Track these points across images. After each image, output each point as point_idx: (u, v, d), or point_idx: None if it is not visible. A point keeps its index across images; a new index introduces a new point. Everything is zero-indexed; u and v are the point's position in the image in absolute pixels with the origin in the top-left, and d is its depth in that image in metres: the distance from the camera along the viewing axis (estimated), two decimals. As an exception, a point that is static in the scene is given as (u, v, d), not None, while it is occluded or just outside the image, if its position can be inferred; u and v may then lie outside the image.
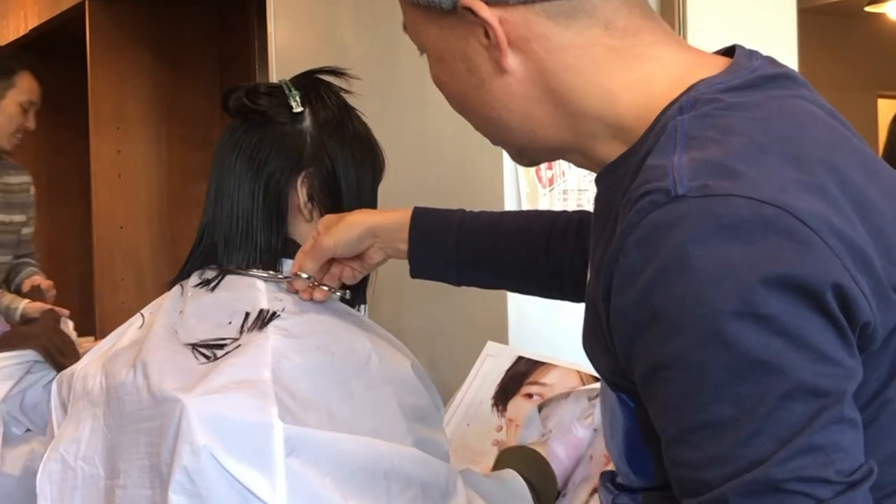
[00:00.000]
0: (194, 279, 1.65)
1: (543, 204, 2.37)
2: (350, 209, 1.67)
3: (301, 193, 1.65)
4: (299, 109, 1.66)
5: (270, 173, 1.63)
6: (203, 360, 1.49)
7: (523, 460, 1.80)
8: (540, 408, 1.97)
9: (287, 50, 3.09)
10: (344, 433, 1.42)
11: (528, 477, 1.73)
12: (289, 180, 1.64)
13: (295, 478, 1.38)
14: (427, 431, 1.51)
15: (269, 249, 1.63)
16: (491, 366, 2.13)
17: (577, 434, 1.93)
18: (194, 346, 1.52)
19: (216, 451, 1.37)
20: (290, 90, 1.67)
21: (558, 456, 1.90)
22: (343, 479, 1.40)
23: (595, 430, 1.94)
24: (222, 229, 1.64)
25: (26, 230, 3.87)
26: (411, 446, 1.46)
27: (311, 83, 1.70)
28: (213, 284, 1.63)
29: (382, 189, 1.78)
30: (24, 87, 3.66)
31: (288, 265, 1.64)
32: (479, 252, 1.65)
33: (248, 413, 1.39)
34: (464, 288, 2.50)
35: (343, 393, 1.46)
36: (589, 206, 2.41)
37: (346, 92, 1.74)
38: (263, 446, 1.38)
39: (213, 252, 1.65)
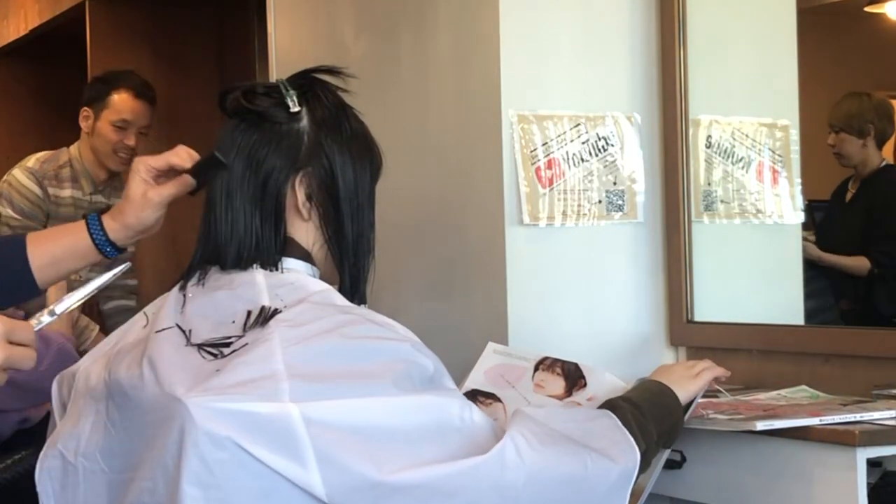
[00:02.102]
0: (195, 278, 1.66)
1: (543, 204, 2.37)
2: (348, 208, 1.68)
3: (299, 193, 1.65)
4: (296, 109, 1.66)
5: (268, 173, 1.64)
6: (210, 357, 1.50)
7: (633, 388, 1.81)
8: None
9: (287, 50, 3.09)
10: (357, 398, 1.44)
11: (627, 396, 1.73)
12: (287, 180, 1.64)
13: (318, 444, 1.39)
14: (437, 389, 1.54)
15: (269, 249, 1.64)
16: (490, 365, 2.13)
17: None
18: (200, 346, 1.53)
19: (241, 440, 1.39)
20: (287, 90, 1.67)
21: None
22: (364, 439, 1.43)
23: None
24: (223, 229, 1.64)
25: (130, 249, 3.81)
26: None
27: (308, 82, 1.70)
28: (213, 284, 1.63)
29: (383, 189, 1.78)
30: (117, 107, 3.74)
31: (290, 263, 1.65)
32: None
33: (266, 405, 1.41)
34: (464, 288, 2.51)
35: (353, 367, 1.48)
36: (589, 206, 2.42)
37: (343, 91, 1.74)
38: (287, 432, 1.40)
39: (214, 252, 1.65)
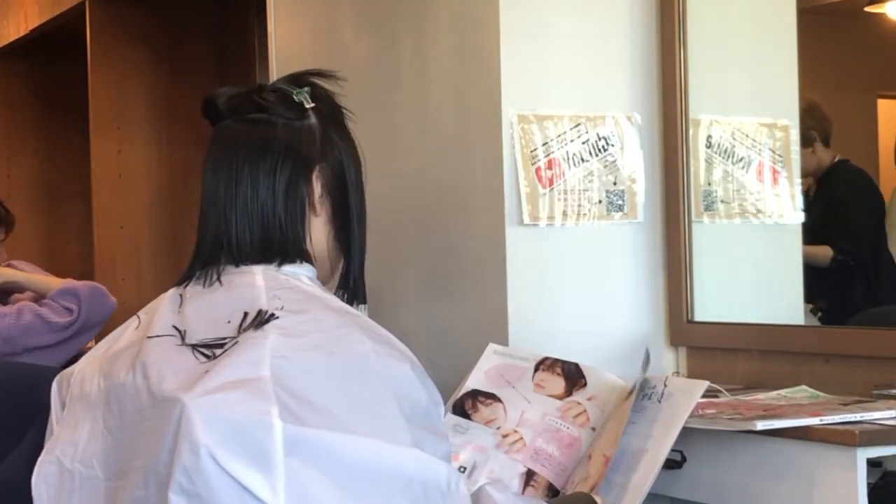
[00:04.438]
0: (194, 279, 1.65)
1: (543, 204, 2.37)
2: (354, 201, 1.69)
3: (316, 188, 1.66)
4: (311, 105, 1.67)
5: (290, 171, 1.64)
6: (203, 359, 1.49)
7: (562, 500, 1.79)
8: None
9: (287, 50, 3.09)
10: (344, 433, 1.42)
11: None
12: (307, 177, 1.65)
13: (294, 478, 1.38)
14: (427, 431, 1.51)
15: (296, 246, 1.64)
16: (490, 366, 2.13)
17: (572, 433, 1.93)
18: (194, 347, 1.52)
19: (215, 450, 1.37)
20: (298, 90, 1.68)
21: (552, 455, 1.90)
22: (343, 480, 1.40)
23: (593, 428, 1.94)
24: (240, 228, 1.63)
25: None
26: (411, 445, 1.46)
27: (307, 84, 1.71)
28: (212, 284, 1.63)
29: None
30: None
31: (295, 263, 1.65)
32: None
33: (248, 412, 1.39)
34: (464, 288, 2.51)
35: (342, 392, 1.45)
36: (589, 206, 2.42)
37: (333, 94, 1.75)
38: (264, 446, 1.38)
39: (220, 253, 1.64)
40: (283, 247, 1.63)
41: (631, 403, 1.86)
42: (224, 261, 1.64)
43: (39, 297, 3.11)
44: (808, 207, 2.79)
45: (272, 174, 1.63)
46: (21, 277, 3.17)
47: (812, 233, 2.78)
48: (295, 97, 1.67)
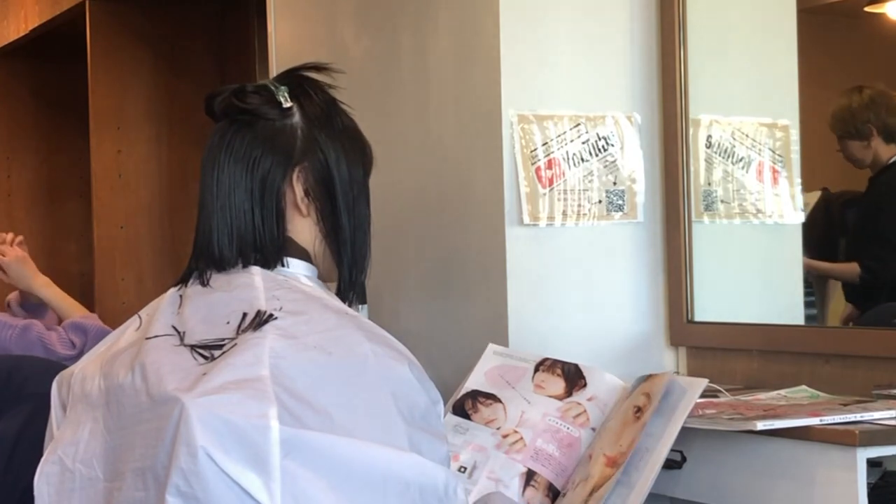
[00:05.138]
0: (193, 280, 1.65)
1: (543, 204, 2.37)
2: (345, 202, 1.68)
3: (297, 189, 1.65)
4: (288, 105, 1.66)
5: (265, 171, 1.64)
6: (202, 360, 1.49)
7: None
8: None
9: (287, 50, 3.09)
10: (341, 435, 1.42)
11: None
12: (284, 176, 1.64)
13: (291, 480, 1.38)
14: (425, 432, 1.50)
15: (272, 246, 1.63)
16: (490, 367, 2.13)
17: (572, 433, 1.93)
18: (193, 347, 1.52)
19: (213, 451, 1.37)
20: (277, 87, 1.67)
21: (552, 455, 1.90)
22: (340, 483, 1.40)
23: (593, 429, 1.94)
24: (221, 231, 1.64)
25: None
26: (408, 447, 1.46)
27: (296, 80, 1.70)
28: (211, 285, 1.63)
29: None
30: None
31: (291, 263, 1.64)
32: None
33: (247, 414, 1.39)
34: (464, 288, 2.51)
35: (341, 393, 1.45)
36: (589, 206, 2.42)
37: (331, 87, 1.74)
38: (260, 448, 1.38)
39: (212, 254, 1.65)
40: (261, 249, 1.62)
41: (632, 404, 1.86)
42: (209, 265, 1.64)
43: (61, 320, 3.07)
44: (857, 205, 2.72)
45: (248, 176, 1.63)
46: (48, 291, 3.13)
47: (854, 235, 2.72)
48: (276, 96, 1.67)
